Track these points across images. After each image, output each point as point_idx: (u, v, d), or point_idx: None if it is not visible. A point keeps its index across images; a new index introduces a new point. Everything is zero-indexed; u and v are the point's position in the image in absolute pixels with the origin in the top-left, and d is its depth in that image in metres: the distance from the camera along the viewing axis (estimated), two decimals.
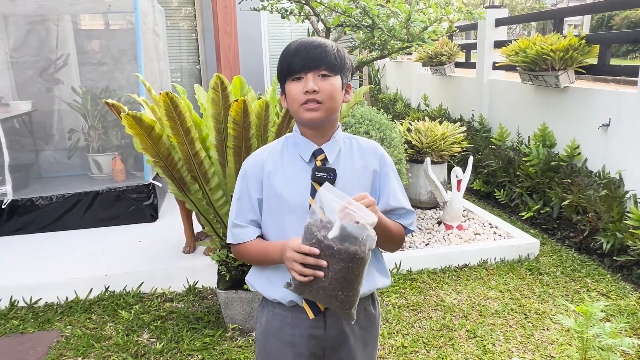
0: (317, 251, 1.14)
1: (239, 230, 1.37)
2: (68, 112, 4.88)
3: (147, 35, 4.37)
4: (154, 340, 2.72)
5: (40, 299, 3.09)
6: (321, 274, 1.15)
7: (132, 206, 4.17)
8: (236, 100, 2.12)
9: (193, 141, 2.31)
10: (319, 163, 1.34)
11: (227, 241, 1.43)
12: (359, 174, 1.37)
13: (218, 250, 2.81)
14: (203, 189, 2.55)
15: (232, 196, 2.48)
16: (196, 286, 3.26)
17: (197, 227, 3.60)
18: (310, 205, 1.30)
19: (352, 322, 1.31)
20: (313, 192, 1.32)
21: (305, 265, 1.16)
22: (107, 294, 3.16)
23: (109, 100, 2.67)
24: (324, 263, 1.15)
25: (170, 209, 4.43)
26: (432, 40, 4.44)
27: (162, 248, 3.66)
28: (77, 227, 4.04)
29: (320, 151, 1.34)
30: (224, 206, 2.59)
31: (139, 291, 3.20)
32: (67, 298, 3.12)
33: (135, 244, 3.73)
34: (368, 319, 1.46)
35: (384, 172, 1.41)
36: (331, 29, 5.19)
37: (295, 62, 1.27)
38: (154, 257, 3.50)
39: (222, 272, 2.77)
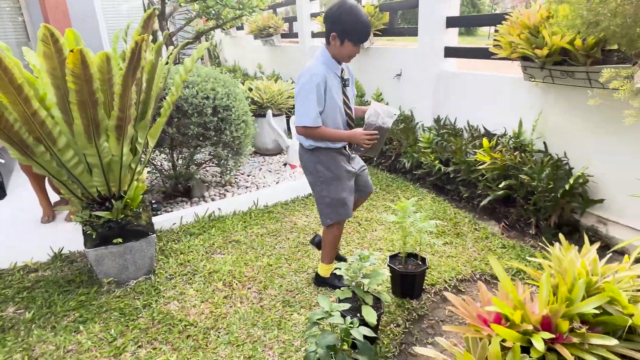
0: (376, 133, 1.94)
1: (318, 118, 1.91)
2: None
3: None
4: (22, 310, 2.21)
5: None
6: (375, 141, 1.96)
7: None
8: (71, 51, 1.69)
9: (28, 99, 1.80)
10: (343, 75, 2.02)
11: (308, 125, 1.91)
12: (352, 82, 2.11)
13: (80, 211, 2.36)
14: (50, 150, 2.04)
15: (84, 155, 2.06)
16: (62, 252, 2.73)
17: (54, 198, 3.00)
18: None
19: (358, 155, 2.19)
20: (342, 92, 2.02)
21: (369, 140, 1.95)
22: None
23: None
24: (378, 136, 1.95)
25: (21, 184, 3.62)
26: (261, 9, 4.25)
27: (18, 222, 2.99)
28: None
29: (341, 69, 2.00)
30: (78, 166, 2.12)
31: None
32: None
33: None
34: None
35: None
36: (166, 2, 4.62)
37: (366, 37, 1.88)
38: (9, 232, 2.84)
39: (88, 232, 2.34)
